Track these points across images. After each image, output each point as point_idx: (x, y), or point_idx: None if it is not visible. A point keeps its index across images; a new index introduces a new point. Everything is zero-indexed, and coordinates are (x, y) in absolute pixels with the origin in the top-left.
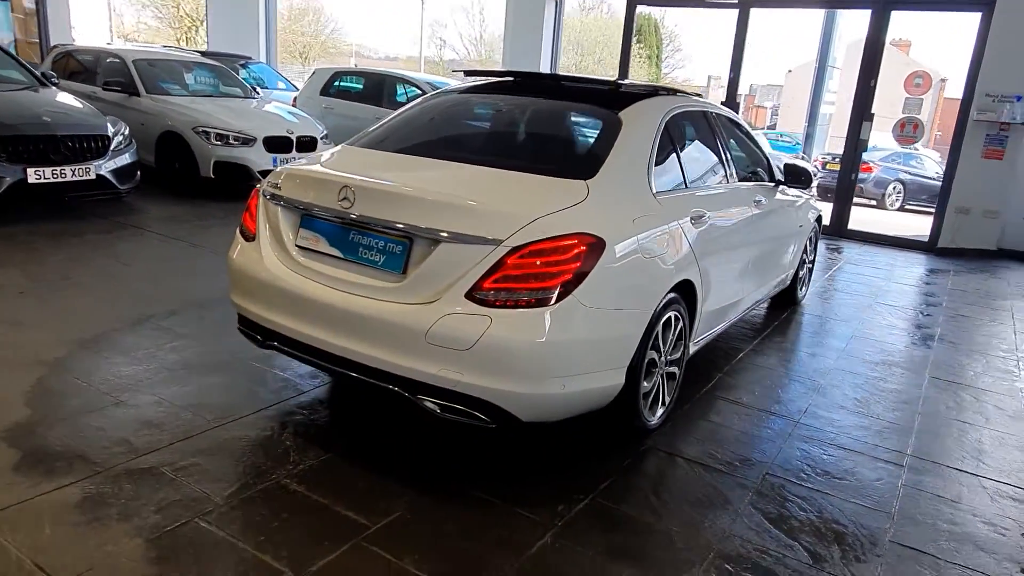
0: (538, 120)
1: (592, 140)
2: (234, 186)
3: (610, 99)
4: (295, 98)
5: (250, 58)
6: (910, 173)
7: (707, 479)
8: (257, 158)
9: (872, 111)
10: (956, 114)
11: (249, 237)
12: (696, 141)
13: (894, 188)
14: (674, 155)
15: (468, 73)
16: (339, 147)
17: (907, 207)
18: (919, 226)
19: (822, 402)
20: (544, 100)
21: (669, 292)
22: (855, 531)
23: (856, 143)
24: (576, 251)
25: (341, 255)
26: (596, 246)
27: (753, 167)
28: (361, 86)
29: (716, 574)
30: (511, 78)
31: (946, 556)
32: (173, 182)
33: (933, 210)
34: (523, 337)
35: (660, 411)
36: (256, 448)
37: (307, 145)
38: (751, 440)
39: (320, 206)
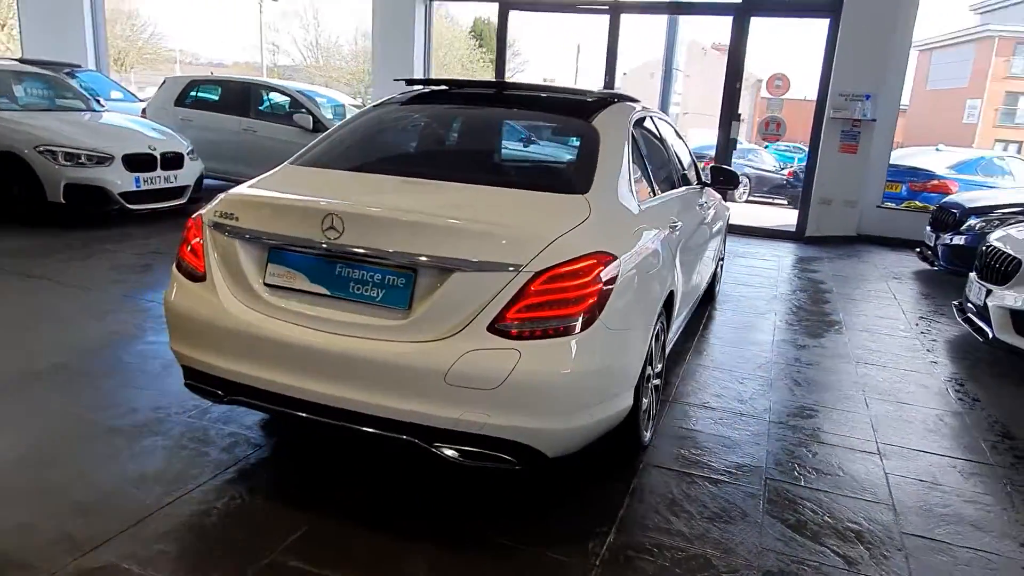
0: (511, 132)
1: (575, 151)
2: (90, 211)
3: (574, 107)
4: (143, 110)
5: (79, 65)
6: (752, 167)
7: (715, 492)
8: (116, 178)
9: (740, 112)
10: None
11: (196, 276)
12: (652, 147)
13: (741, 182)
14: (642, 163)
15: (410, 82)
16: (283, 167)
17: (751, 199)
18: (772, 216)
19: (779, 398)
20: (506, 110)
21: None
22: (870, 527)
23: (727, 141)
24: (597, 272)
25: (327, 292)
26: (612, 265)
27: (686, 170)
28: (219, 96)
29: None
30: (462, 88)
31: (954, 540)
32: (11, 209)
33: (773, 201)
34: (555, 369)
35: (650, 426)
36: (229, 522)
37: (172, 162)
38: (736, 445)
39: (298, 237)
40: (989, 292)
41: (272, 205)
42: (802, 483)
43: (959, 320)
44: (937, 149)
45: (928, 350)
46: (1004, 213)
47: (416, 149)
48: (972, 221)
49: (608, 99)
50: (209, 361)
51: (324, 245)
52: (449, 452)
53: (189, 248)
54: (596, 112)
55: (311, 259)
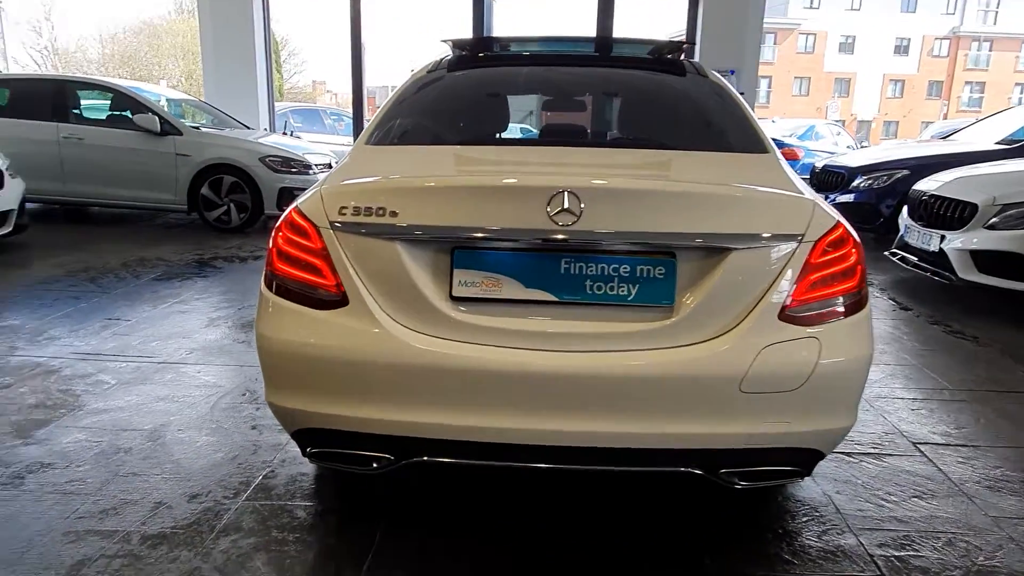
0: (636, 90)
1: (708, 107)
2: None
3: (668, 62)
4: None
5: None
6: None
7: (889, 466)
8: None
9: None
10: None
11: (326, 300)
12: None
13: None
14: None
15: (456, 44)
16: (364, 148)
17: None
18: None
19: None
20: (608, 68)
21: None
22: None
23: None
24: (852, 236)
25: (553, 297)
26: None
27: None
28: (8, 99)
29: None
30: (530, 50)
31: None
32: None
33: None
34: (857, 354)
35: None
36: None
37: None
38: None
39: (511, 229)
40: (943, 238)
41: (460, 188)
42: (945, 441)
43: (907, 267)
44: (772, 121)
45: (891, 299)
46: (888, 171)
47: (547, 116)
48: (859, 180)
49: (674, 48)
50: (365, 416)
51: (555, 233)
52: (740, 484)
53: (297, 262)
54: (685, 64)
55: (523, 256)
